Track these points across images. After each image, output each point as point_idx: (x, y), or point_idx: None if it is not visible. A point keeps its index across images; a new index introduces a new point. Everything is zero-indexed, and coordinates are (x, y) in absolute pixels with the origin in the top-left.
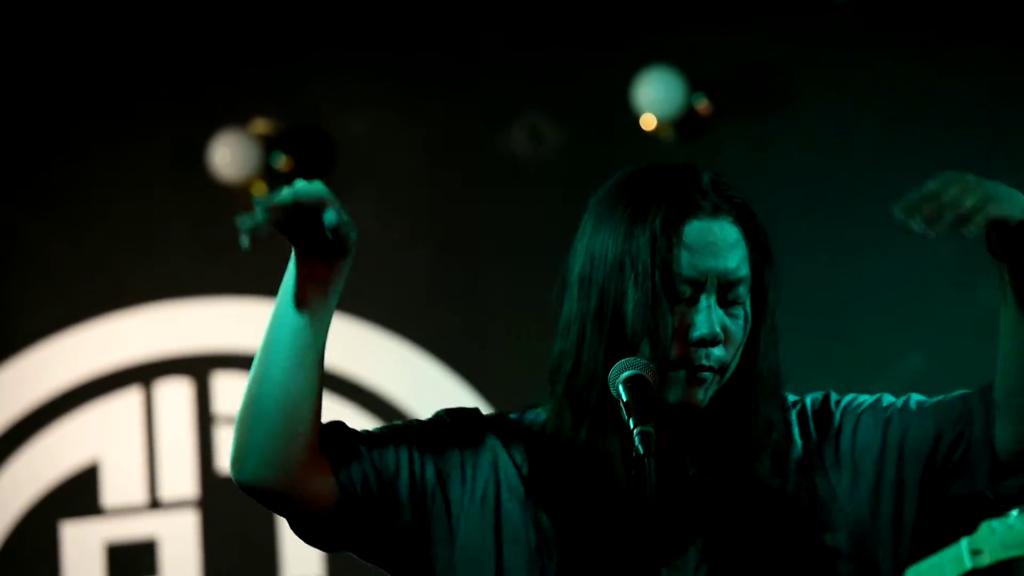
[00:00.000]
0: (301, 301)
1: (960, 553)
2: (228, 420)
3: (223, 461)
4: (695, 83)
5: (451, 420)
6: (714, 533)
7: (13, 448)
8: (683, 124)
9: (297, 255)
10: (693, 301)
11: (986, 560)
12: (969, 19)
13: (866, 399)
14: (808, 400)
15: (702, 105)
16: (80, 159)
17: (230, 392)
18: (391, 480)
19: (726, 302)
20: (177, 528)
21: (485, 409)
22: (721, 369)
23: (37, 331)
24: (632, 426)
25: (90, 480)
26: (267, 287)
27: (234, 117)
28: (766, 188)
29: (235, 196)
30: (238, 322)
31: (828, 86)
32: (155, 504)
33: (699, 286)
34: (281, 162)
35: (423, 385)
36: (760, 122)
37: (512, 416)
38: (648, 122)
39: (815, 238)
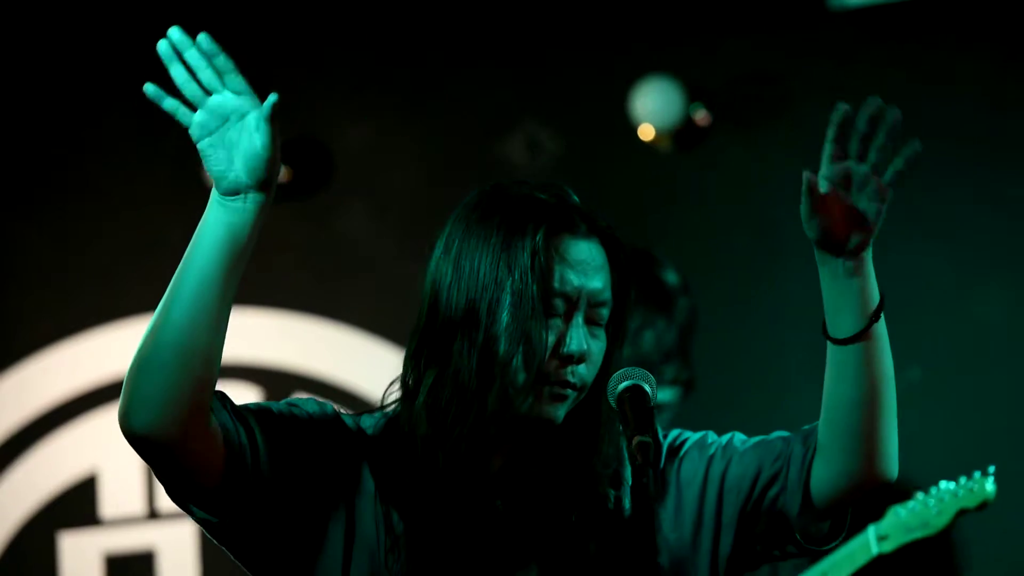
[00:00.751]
0: (222, 248)
1: (867, 540)
2: None
3: None
4: (693, 93)
5: (320, 414)
6: (548, 554)
7: (12, 459)
8: (681, 134)
9: (223, 192)
10: (565, 318)
11: (891, 545)
12: (964, 28)
13: (691, 436)
14: (674, 433)
15: (700, 115)
16: (79, 169)
17: None
18: (277, 458)
19: (590, 322)
20: (175, 539)
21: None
22: (581, 388)
23: (36, 341)
24: (631, 436)
25: (89, 491)
26: (266, 297)
27: None
28: (763, 198)
29: None
30: (236, 332)
31: (825, 96)
32: (153, 515)
33: (571, 303)
34: (280, 173)
35: None
36: (758, 132)
37: (349, 416)
38: (646, 132)
39: (809, 249)
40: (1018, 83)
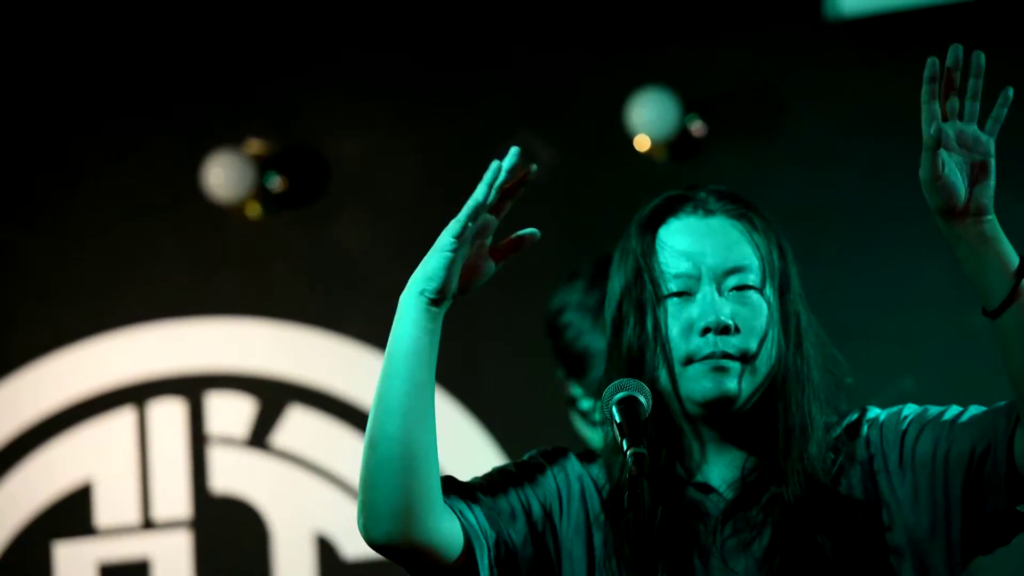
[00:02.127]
0: (426, 353)
1: None
2: (221, 440)
3: (216, 481)
4: (689, 104)
5: (543, 457)
6: (779, 535)
7: (6, 468)
8: (677, 145)
9: (433, 300)
10: (687, 296)
11: None
12: (962, 39)
13: (929, 410)
14: (875, 409)
15: (696, 126)
16: (75, 179)
17: (223, 412)
18: (508, 520)
19: (732, 291)
20: (170, 548)
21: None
22: (744, 358)
23: (30, 350)
24: (625, 448)
25: (83, 500)
26: (261, 307)
27: (228, 137)
28: (759, 208)
29: (229, 216)
30: (232, 342)
31: (821, 106)
32: (148, 524)
33: (692, 280)
34: (275, 183)
35: None
36: (754, 143)
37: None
38: (642, 143)
39: (808, 259)
40: (1016, 91)
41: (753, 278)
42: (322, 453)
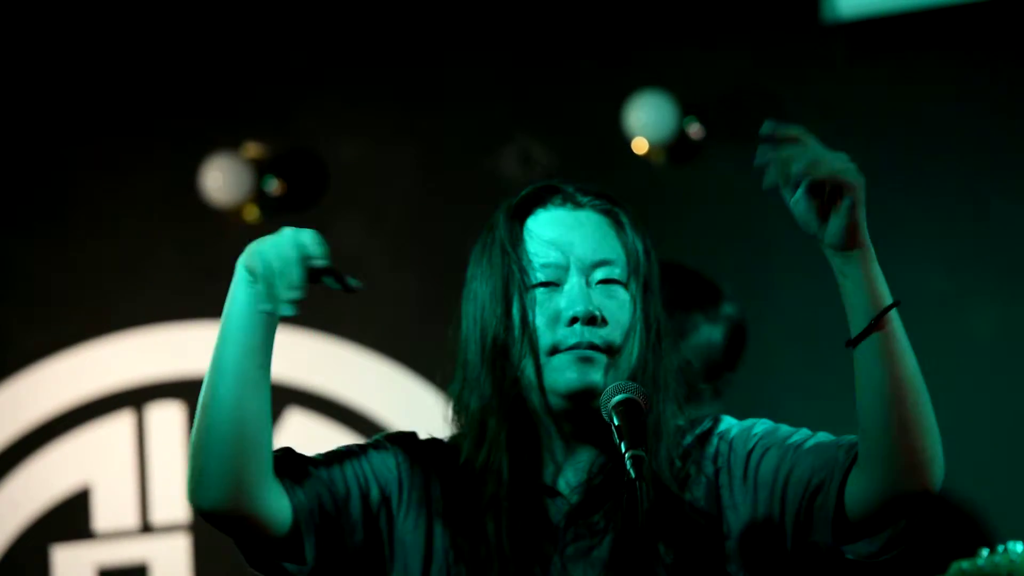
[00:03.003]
0: (254, 320)
1: None
2: None
3: None
4: (686, 107)
5: (390, 443)
6: (620, 543)
7: (5, 472)
8: (675, 148)
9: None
10: (555, 286)
11: None
12: (956, 40)
13: (780, 430)
14: (728, 420)
15: (694, 129)
16: (72, 184)
17: None
18: (343, 501)
19: (600, 284)
20: (169, 552)
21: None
22: (609, 350)
23: (29, 355)
24: (624, 450)
25: (82, 504)
26: None
27: (226, 141)
28: (757, 211)
29: (227, 220)
30: None
31: (819, 109)
32: (147, 528)
33: (560, 270)
34: (273, 186)
35: (413, 407)
36: (751, 146)
37: (442, 439)
38: (640, 146)
39: (805, 262)
40: (1013, 96)
41: (619, 272)
42: None
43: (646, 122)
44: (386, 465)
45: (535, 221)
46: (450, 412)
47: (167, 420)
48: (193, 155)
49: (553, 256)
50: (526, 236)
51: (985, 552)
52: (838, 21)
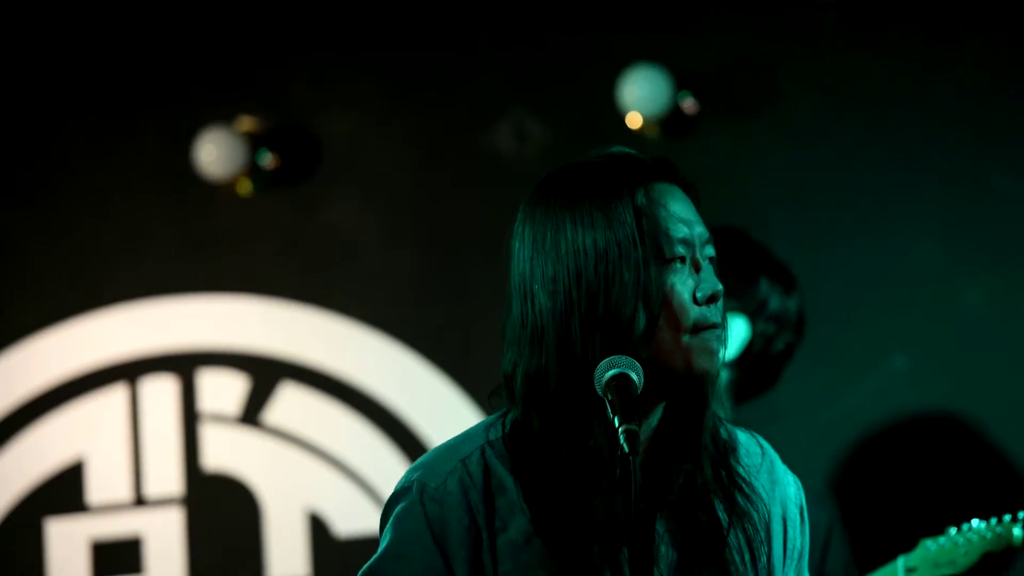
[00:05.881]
0: None
1: (896, 571)
2: (213, 417)
3: (208, 459)
4: (681, 81)
5: (408, 540)
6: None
7: None
8: (669, 122)
9: None
10: (692, 263)
11: None
12: (953, 16)
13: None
14: (760, 438)
15: (688, 103)
16: (65, 157)
17: (215, 389)
18: None
19: (708, 261)
20: (162, 525)
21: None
22: (725, 327)
23: (22, 329)
24: (617, 425)
25: (75, 477)
26: (253, 284)
27: (220, 114)
28: (751, 186)
29: (220, 193)
30: (223, 319)
31: (813, 84)
32: (140, 501)
33: (690, 247)
34: (267, 160)
35: (408, 382)
36: (745, 120)
37: (450, 449)
38: (634, 120)
39: (800, 235)
40: (1008, 72)
41: (712, 250)
42: (314, 430)
43: (640, 96)
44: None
45: (659, 192)
46: (516, 386)
47: (160, 393)
48: (187, 128)
49: (683, 232)
50: (654, 207)
51: (952, 531)
52: None
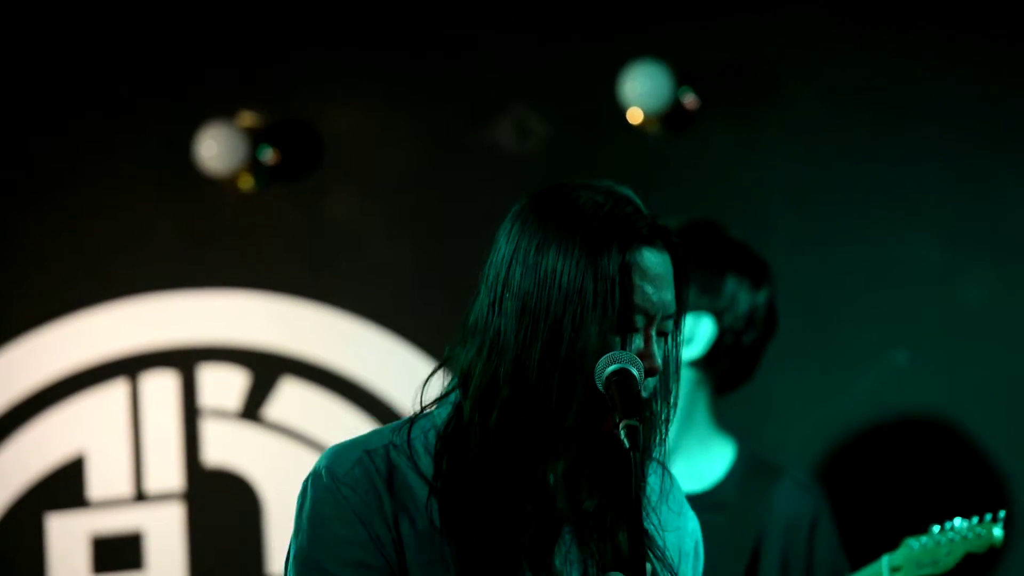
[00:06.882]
0: None
1: (880, 570)
2: (214, 412)
3: (209, 454)
4: (682, 77)
5: (337, 513)
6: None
7: None
8: (670, 118)
9: None
10: (644, 332)
11: None
12: (955, 11)
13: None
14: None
15: (689, 99)
16: (66, 152)
17: (216, 385)
18: None
19: (659, 334)
20: (163, 521)
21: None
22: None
23: (22, 324)
24: (618, 420)
25: (75, 472)
26: (254, 280)
27: (221, 110)
28: (752, 182)
29: (222, 189)
30: (224, 315)
31: (815, 79)
32: (141, 497)
33: (649, 317)
34: (268, 155)
35: (409, 377)
36: (747, 116)
37: (388, 432)
38: (635, 116)
39: (801, 232)
40: (1007, 69)
41: (670, 324)
42: (315, 425)
43: (641, 92)
44: (357, 539)
45: (644, 258)
46: (471, 384)
47: (161, 389)
48: (188, 124)
49: (648, 303)
50: (634, 272)
51: (935, 530)
52: None
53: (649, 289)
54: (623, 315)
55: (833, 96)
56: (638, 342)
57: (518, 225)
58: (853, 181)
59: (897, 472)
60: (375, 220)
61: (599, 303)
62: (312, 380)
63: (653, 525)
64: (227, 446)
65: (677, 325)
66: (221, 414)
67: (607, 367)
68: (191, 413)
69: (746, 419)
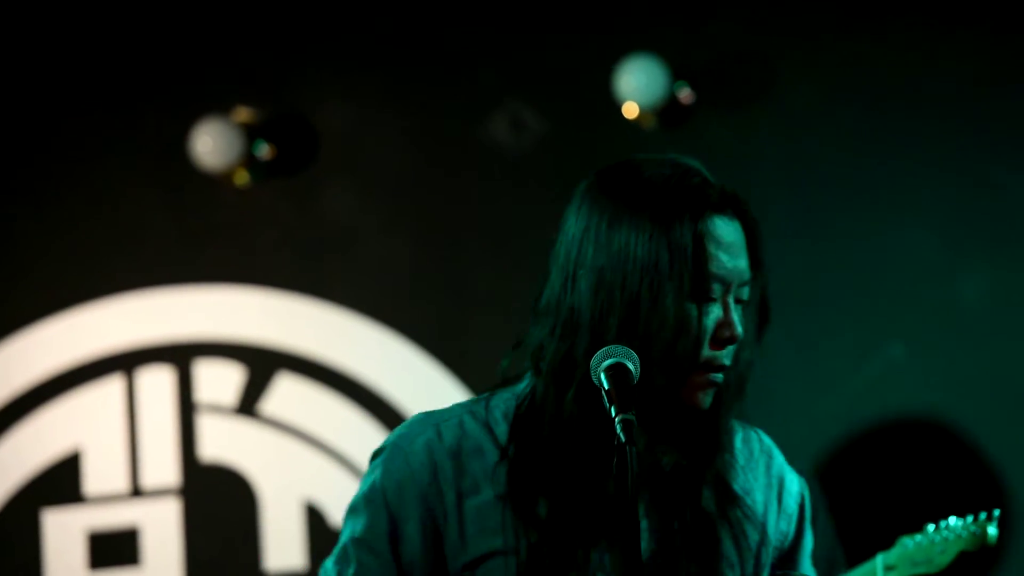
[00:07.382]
0: None
1: (875, 569)
2: (210, 408)
3: (205, 449)
4: (677, 71)
5: (384, 492)
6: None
7: None
8: (665, 112)
9: None
10: (721, 302)
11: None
12: (951, 8)
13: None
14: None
15: (684, 93)
16: (62, 148)
17: (212, 380)
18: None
19: (737, 302)
20: (159, 516)
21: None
22: (729, 369)
23: (19, 319)
24: (614, 414)
25: (72, 468)
26: (249, 275)
27: (216, 105)
28: (748, 176)
29: (217, 184)
30: (220, 310)
31: (810, 73)
32: (137, 492)
33: (726, 286)
34: (264, 151)
35: (404, 373)
36: (742, 110)
37: (470, 405)
38: (630, 111)
39: (797, 226)
40: (1005, 63)
41: (747, 292)
42: (311, 421)
43: (636, 86)
44: (400, 524)
45: (717, 227)
46: (544, 364)
47: (157, 384)
48: (184, 119)
49: (724, 271)
50: (708, 241)
51: (929, 528)
52: None
53: (724, 257)
54: (699, 284)
55: (828, 90)
56: (716, 311)
57: (587, 204)
58: (848, 175)
59: (892, 470)
60: (370, 215)
61: (675, 274)
62: (308, 375)
63: (740, 487)
64: (223, 441)
65: (754, 292)
66: (217, 409)
67: (603, 361)
68: (187, 408)
69: (741, 414)
